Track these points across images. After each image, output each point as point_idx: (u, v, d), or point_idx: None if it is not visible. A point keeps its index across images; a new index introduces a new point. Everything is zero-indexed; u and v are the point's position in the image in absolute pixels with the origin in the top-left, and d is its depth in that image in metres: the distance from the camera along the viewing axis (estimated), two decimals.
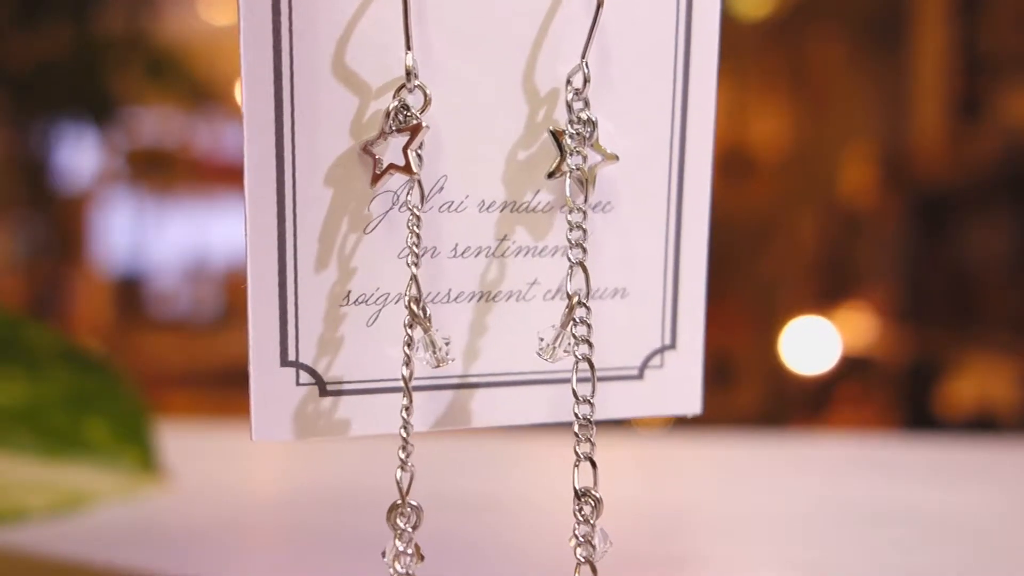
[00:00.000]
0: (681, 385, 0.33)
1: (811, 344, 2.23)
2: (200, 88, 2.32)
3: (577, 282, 0.29)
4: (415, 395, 0.29)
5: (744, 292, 2.47)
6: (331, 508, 0.52)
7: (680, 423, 2.32)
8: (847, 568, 0.42)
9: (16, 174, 2.19)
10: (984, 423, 1.87)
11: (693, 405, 0.34)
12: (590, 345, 0.29)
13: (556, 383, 0.31)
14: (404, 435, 0.28)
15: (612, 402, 0.32)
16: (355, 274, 0.29)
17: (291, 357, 0.29)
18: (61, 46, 2.05)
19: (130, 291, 2.61)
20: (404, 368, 0.28)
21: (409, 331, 0.28)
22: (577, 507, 0.28)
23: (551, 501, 0.54)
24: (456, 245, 0.30)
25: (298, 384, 0.29)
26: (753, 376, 2.40)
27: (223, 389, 2.39)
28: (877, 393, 2.19)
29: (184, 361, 2.44)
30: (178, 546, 0.45)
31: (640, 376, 0.33)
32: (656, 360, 0.33)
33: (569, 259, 0.29)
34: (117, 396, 0.46)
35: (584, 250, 0.29)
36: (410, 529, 0.28)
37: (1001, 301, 1.99)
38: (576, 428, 0.29)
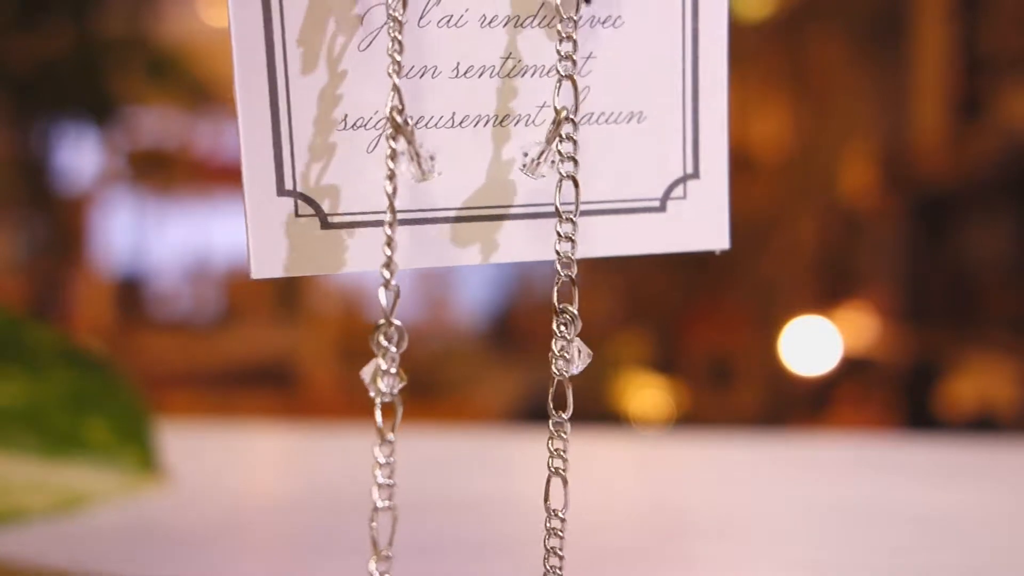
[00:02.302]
0: (706, 217, 0.31)
1: (811, 344, 2.23)
2: (200, 88, 2.32)
3: (565, 96, 0.28)
4: (407, 229, 0.28)
5: (744, 292, 2.47)
6: (331, 508, 0.52)
7: (680, 423, 2.32)
8: (847, 568, 0.42)
9: (17, 174, 2.19)
10: (984, 423, 1.87)
11: (720, 239, 0.31)
12: (575, 163, 0.27)
13: (553, 217, 0.29)
14: (388, 252, 0.27)
15: (634, 236, 0.30)
16: (350, 95, 0.27)
17: (288, 186, 0.27)
18: (62, 46, 2.05)
19: (131, 291, 2.61)
20: (388, 183, 0.26)
21: (392, 143, 0.26)
22: (555, 323, 0.28)
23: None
24: (457, 64, 0.28)
25: (297, 215, 0.28)
26: (753, 376, 2.40)
27: (223, 389, 2.39)
28: (877, 393, 2.19)
29: (184, 361, 2.44)
30: (178, 546, 0.45)
31: (662, 208, 0.31)
32: (678, 190, 0.31)
33: (558, 71, 0.28)
34: (117, 396, 0.46)
35: (574, 62, 0.27)
36: (393, 348, 0.27)
37: (1001, 301, 1.99)
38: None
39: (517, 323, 2.65)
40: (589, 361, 0.28)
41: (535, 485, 0.60)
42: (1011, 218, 2.00)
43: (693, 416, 2.24)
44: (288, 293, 2.61)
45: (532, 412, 2.29)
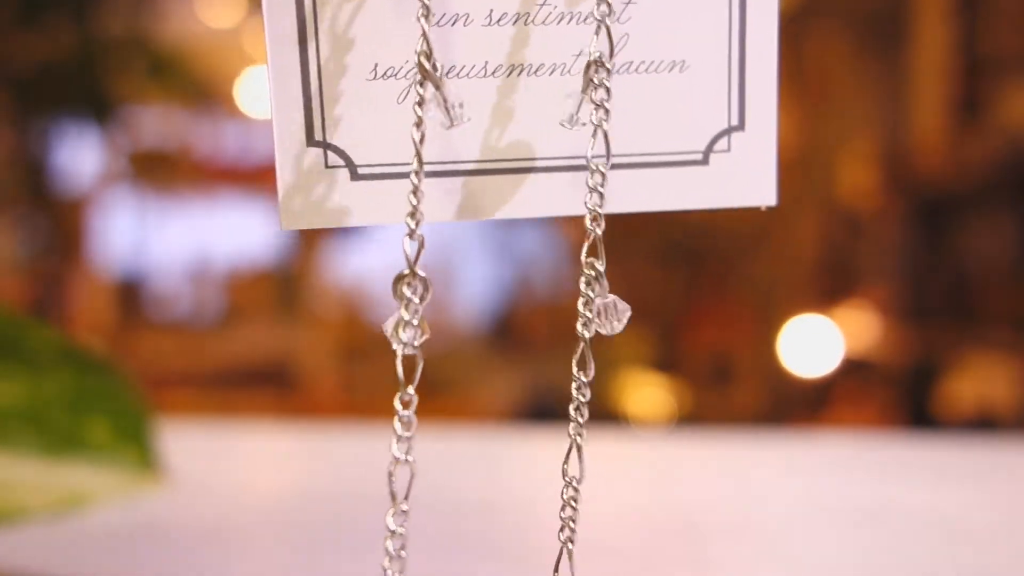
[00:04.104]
0: (751, 171, 0.30)
1: (811, 344, 2.23)
2: (200, 88, 2.32)
3: (601, 44, 0.26)
4: (436, 181, 0.27)
5: (744, 292, 2.47)
6: (331, 508, 0.52)
7: (680, 423, 2.32)
8: (847, 568, 0.42)
9: (17, 174, 2.19)
10: (984, 423, 1.87)
11: (767, 195, 0.30)
12: (607, 112, 0.26)
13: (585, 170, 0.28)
14: (413, 201, 0.26)
15: (675, 191, 0.29)
16: (381, 45, 0.27)
17: (317, 136, 0.27)
18: (63, 46, 2.06)
19: (131, 291, 2.61)
20: (415, 130, 0.26)
21: (420, 90, 0.26)
22: (584, 282, 0.27)
23: (550, 501, 0.54)
24: (491, 12, 0.27)
25: (327, 167, 0.27)
26: (753, 376, 2.40)
27: (223, 389, 2.39)
28: (877, 393, 2.19)
29: (184, 361, 2.44)
30: (178, 546, 0.45)
31: (705, 161, 0.29)
32: (722, 143, 0.29)
33: (594, 16, 0.26)
34: (118, 396, 0.46)
35: (610, 7, 0.26)
36: (416, 300, 0.27)
37: (1001, 301, 1.99)
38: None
39: (518, 323, 2.65)
40: (625, 319, 0.27)
41: (535, 485, 0.60)
42: (1011, 218, 2.00)
43: (693, 416, 2.24)
44: (288, 293, 2.61)
45: (532, 412, 2.29)
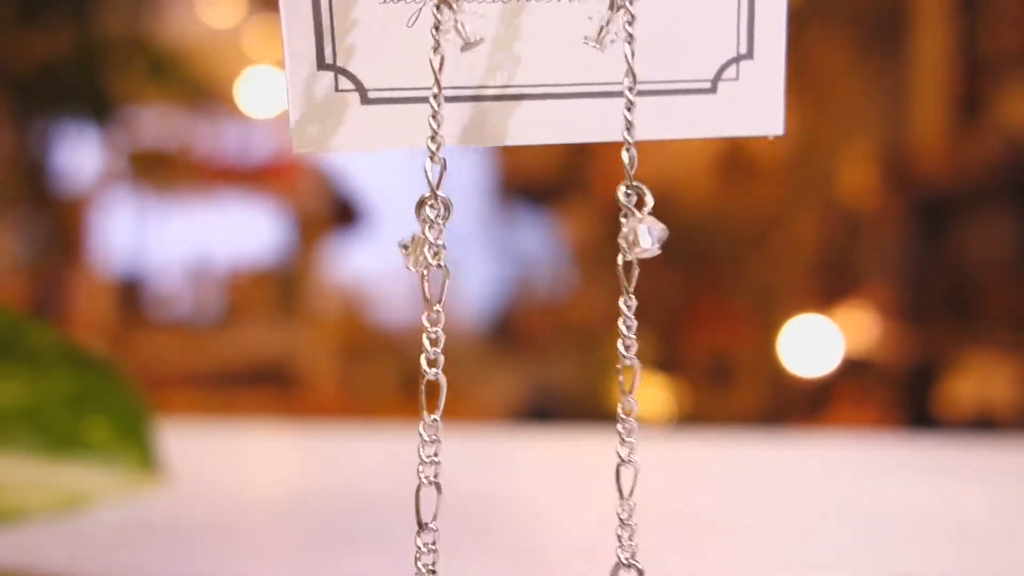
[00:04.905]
0: (759, 100, 0.29)
1: (811, 344, 2.23)
2: (200, 88, 2.32)
3: None
4: (449, 106, 0.27)
5: (744, 292, 2.47)
6: (331, 508, 0.52)
7: (680, 423, 2.32)
8: (847, 568, 0.42)
9: (17, 174, 2.19)
10: (984, 423, 1.87)
11: (774, 124, 0.30)
12: (632, 37, 0.26)
13: (604, 96, 0.28)
14: (434, 125, 0.26)
15: (683, 118, 0.29)
16: None
17: (328, 60, 0.27)
18: (62, 46, 2.06)
19: (131, 291, 2.61)
20: (433, 54, 0.26)
21: (436, 13, 0.26)
22: (623, 200, 0.27)
23: (550, 501, 0.54)
24: None
25: (338, 90, 0.27)
26: (753, 376, 2.40)
27: (223, 389, 2.39)
28: (877, 393, 2.19)
29: (184, 361, 2.44)
30: (178, 546, 0.45)
31: (713, 90, 0.29)
32: (731, 71, 0.29)
33: None
34: (118, 396, 0.46)
35: None
36: (440, 221, 0.27)
37: (1001, 301, 1.99)
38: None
39: (518, 323, 2.65)
40: (662, 237, 0.27)
41: (535, 485, 0.60)
42: (1011, 218, 2.00)
43: (693, 416, 2.24)
44: (288, 293, 2.61)
45: (532, 412, 2.29)
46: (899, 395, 2.15)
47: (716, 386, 2.40)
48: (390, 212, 2.60)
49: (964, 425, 1.88)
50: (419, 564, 0.28)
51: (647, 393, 2.24)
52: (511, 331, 2.65)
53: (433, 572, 0.28)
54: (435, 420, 0.28)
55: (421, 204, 0.27)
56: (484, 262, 2.66)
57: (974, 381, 1.94)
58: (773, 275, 2.42)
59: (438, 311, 0.27)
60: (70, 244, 2.41)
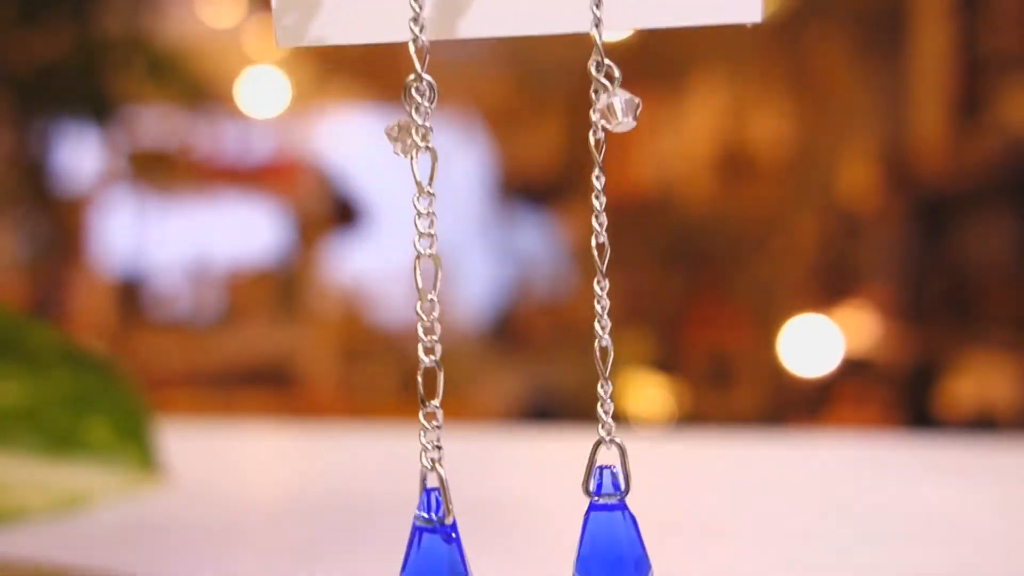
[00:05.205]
0: None
1: (811, 344, 2.23)
2: (200, 88, 2.32)
3: None
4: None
5: (744, 292, 2.47)
6: (331, 508, 0.52)
7: (680, 423, 2.31)
8: (846, 568, 0.42)
9: (17, 174, 2.19)
10: (984, 423, 1.87)
11: (752, 11, 0.29)
12: None
13: None
14: (416, 8, 0.26)
15: (661, 6, 0.28)
16: None
17: None
18: (62, 46, 2.06)
19: (131, 291, 2.61)
20: None
21: None
22: (595, 74, 0.27)
23: (550, 501, 0.54)
24: None
25: None
26: (753, 376, 2.40)
27: (223, 389, 2.39)
28: (877, 393, 2.19)
29: (184, 361, 2.44)
30: (178, 546, 0.45)
31: None
32: None
33: None
34: (118, 396, 0.46)
35: None
36: (427, 103, 0.27)
37: (1001, 301, 1.99)
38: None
39: (518, 323, 2.65)
40: (637, 109, 0.27)
41: (535, 485, 0.60)
42: (1011, 218, 2.00)
43: (693, 416, 2.24)
44: (288, 293, 2.61)
45: (532, 412, 2.29)
46: (899, 395, 2.15)
47: (716, 386, 2.40)
48: (390, 212, 2.60)
49: (964, 425, 1.88)
50: None
51: (647, 393, 2.24)
52: (511, 331, 2.65)
53: None
54: (436, 406, 0.27)
55: (407, 88, 0.26)
56: (484, 262, 2.66)
57: (974, 381, 1.94)
58: (773, 275, 2.42)
59: (432, 300, 0.27)
60: (70, 244, 2.41)
